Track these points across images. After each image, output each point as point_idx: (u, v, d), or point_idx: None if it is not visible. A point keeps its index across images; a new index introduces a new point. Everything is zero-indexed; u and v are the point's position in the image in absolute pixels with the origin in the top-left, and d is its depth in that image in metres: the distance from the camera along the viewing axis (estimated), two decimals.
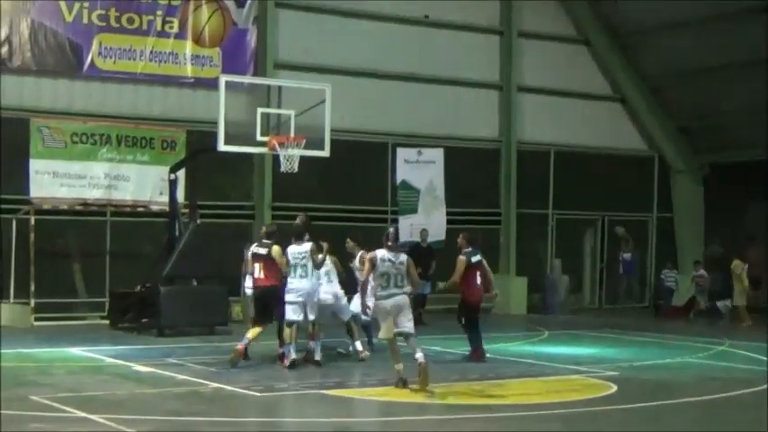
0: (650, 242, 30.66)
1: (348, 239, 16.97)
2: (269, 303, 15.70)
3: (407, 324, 13.68)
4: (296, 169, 19.97)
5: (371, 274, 13.73)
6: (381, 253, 13.86)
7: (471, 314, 16.83)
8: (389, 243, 13.88)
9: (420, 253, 22.11)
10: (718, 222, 29.68)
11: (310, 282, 15.69)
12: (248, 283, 16.73)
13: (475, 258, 16.70)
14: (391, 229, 14.22)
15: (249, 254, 16.01)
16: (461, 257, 16.71)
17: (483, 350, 16.68)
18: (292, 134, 20.02)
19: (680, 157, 30.39)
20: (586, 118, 29.40)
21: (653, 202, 30.70)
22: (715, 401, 13.50)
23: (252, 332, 15.58)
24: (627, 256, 28.30)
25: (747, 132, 28.11)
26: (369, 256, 13.95)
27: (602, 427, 11.66)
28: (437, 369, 15.65)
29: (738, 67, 27.02)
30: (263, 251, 15.70)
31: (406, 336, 13.68)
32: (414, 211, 26.47)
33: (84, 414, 11.38)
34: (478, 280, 16.72)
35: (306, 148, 20.00)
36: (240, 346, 15.39)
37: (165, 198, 22.02)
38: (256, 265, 15.71)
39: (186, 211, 21.56)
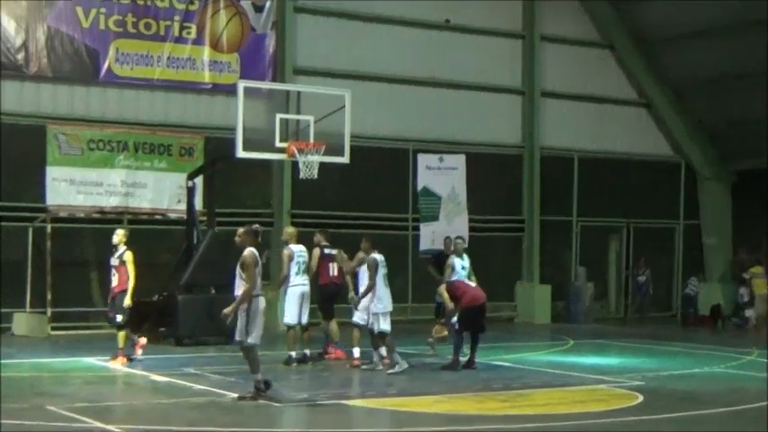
0: (677, 250, 30.52)
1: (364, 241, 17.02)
2: (334, 300, 17.46)
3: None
4: (315, 176, 19.98)
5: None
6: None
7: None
8: (260, 240, 13.64)
9: (444, 261, 22.05)
10: (747, 230, 29.52)
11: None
12: (300, 280, 17.00)
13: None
14: (256, 225, 14.03)
15: (306, 255, 17.13)
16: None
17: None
18: (311, 140, 20.04)
19: (707, 164, 30.26)
20: (611, 123, 29.33)
21: (679, 210, 30.55)
22: (743, 412, 13.40)
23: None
24: (641, 278, 28.29)
25: None
26: (248, 252, 13.31)
27: None
28: (462, 379, 15.65)
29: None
30: (334, 252, 17.52)
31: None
32: (435, 218, 26.42)
33: (101, 424, 11.40)
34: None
35: (325, 154, 20.01)
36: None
37: (183, 206, 22.06)
38: (332, 265, 17.45)
39: (204, 218, 21.60)
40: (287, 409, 13.02)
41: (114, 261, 16.90)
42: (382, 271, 16.36)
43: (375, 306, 16.28)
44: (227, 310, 13.10)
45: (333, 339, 17.74)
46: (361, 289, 16.53)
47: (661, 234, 30.19)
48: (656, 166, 30.00)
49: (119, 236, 17.05)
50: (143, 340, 17.27)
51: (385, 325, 16.29)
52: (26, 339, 20.56)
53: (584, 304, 27.76)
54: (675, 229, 30.58)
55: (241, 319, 13.07)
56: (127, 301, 16.72)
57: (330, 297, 17.61)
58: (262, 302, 13.18)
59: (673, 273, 30.38)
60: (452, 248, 18.73)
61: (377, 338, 16.44)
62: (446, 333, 17.91)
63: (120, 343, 16.88)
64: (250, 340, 13.13)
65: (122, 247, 16.93)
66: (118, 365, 16.56)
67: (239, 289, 13.12)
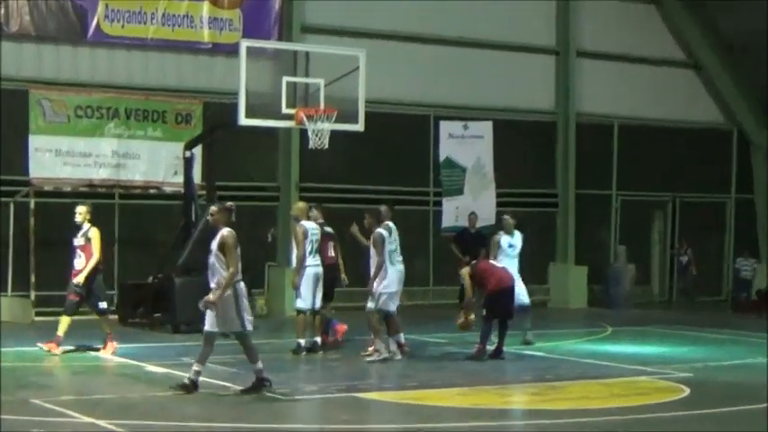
0: (728, 227, 30.49)
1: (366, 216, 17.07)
2: (335, 283, 17.82)
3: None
4: (326, 145, 20.01)
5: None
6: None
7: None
8: (234, 219, 13.66)
9: (468, 239, 22.13)
10: None
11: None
12: (314, 261, 17.13)
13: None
14: (230, 203, 14.06)
15: (319, 233, 17.18)
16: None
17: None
18: (322, 106, 20.06)
19: (762, 131, 30.15)
20: (655, 86, 29.22)
21: (731, 182, 30.51)
22: None
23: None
24: (683, 258, 28.45)
25: None
26: (228, 232, 13.24)
27: None
28: (488, 370, 15.71)
29: None
30: (330, 230, 17.56)
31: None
32: (459, 192, 26.45)
33: (90, 419, 11.49)
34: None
35: (337, 121, 20.04)
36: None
37: (180, 178, 22.14)
38: (330, 244, 17.48)
39: (203, 192, 21.68)
40: (295, 403, 13.10)
41: (79, 240, 16.74)
42: (389, 247, 16.46)
43: (377, 285, 16.38)
44: (211, 298, 12.98)
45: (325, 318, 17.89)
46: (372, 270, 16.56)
47: (710, 209, 30.14)
48: (705, 133, 29.92)
49: (82, 213, 16.83)
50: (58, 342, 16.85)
51: (384, 305, 16.35)
52: (8, 326, 20.66)
53: (624, 287, 27.77)
54: (726, 203, 30.54)
55: (230, 308, 13.05)
56: (79, 279, 16.62)
57: (331, 280, 17.63)
58: (243, 286, 13.26)
59: (723, 252, 30.35)
60: (501, 225, 18.99)
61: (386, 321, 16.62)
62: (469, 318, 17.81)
63: (107, 328, 16.93)
64: (249, 327, 13.23)
65: (86, 225, 16.79)
66: (108, 354, 16.66)
67: (217, 274, 13.08)
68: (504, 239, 18.52)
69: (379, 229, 16.46)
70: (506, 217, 19.01)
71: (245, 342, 13.35)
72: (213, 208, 13.60)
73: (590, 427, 11.85)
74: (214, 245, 13.17)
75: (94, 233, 16.76)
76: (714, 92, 30.08)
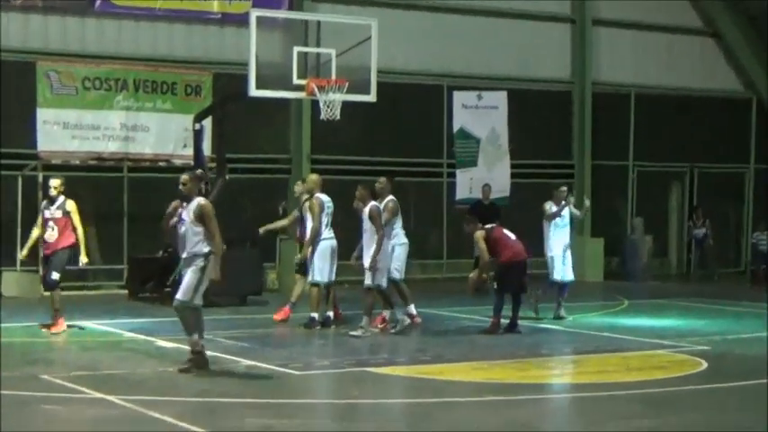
0: (747, 198, 30.40)
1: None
2: None
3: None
4: (338, 117, 19.99)
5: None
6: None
7: None
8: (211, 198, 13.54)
9: (482, 211, 22.08)
10: None
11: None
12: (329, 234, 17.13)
13: None
14: (200, 171, 13.89)
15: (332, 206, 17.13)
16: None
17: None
18: (334, 76, 20.02)
19: None
20: (673, 55, 29.13)
21: (750, 152, 30.39)
22: None
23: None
24: (698, 232, 28.48)
25: None
26: (205, 201, 13.21)
27: (690, 409, 11.63)
28: (503, 344, 15.71)
29: None
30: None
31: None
32: (473, 163, 26.41)
33: (101, 395, 11.51)
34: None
35: (349, 92, 20.00)
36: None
37: (190, 151, 22.12)
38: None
39: (213, 165, 21.68)
40: (307, 377, 13.13)
41: (55, 212, 16.39)
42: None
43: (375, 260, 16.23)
44: (216, 276, 12.88)
45: (291, 300, 17.85)
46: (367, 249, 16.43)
47: (729, 180, 30.06)
48: (723, 103, 29.80)
49: (56, 187, 16.43)
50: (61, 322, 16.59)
51: (376, 280, 16.22)
52: (16, 301, 20.74)
53: (641, 260, 27.75)
54: (745, 174, 30.45)
55: (192, 278, 12.85)
56: (84, 259, 16.59)
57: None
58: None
59: (742, 223, 30.28)
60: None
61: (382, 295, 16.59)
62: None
63: (56, 304, 16.52)
64: (196, 301, 12.98)
65: (61, 197, 16.46)
66: (59, 331, 16.32)
67: (189, 244, 12.89)
68: (554, 210, 18.71)
69: (375, 203, 16.34)
70: (563, 188, 19.22)
71: (193, 314, 13.02)
72: (184, 177, 13.25)
73: (608, 401, 11.84)
74: (188, 214, 12.96)
75: (73, 206, 16.50)
76: (733, 60, 29.95)
